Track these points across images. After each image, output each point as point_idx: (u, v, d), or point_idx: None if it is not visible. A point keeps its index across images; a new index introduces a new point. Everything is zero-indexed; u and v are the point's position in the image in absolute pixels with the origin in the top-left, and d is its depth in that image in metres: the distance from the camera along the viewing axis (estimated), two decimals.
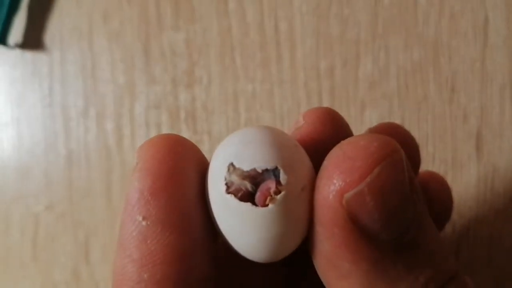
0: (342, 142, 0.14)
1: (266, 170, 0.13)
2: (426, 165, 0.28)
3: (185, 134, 0.31)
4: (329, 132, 0.16)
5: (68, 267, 0.32)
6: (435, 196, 0.22)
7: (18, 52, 0.33)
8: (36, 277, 0.32)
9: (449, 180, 0.28)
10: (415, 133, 0.27)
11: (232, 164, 0.14)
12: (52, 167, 0.32)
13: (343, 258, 0.13)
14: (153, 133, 0.31)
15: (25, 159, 0.33)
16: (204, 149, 0.30)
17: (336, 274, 0.14)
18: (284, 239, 0.14)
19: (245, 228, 0.14)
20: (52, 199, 0.32)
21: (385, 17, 0.29)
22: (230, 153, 0.14)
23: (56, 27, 0.32)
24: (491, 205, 0.28)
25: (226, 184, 0.14)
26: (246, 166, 0.13)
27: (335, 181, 0.13)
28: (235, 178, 0.14)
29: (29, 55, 0.33)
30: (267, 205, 0.13)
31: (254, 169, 0.13)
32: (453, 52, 0.29)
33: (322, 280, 0.15)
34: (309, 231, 0.14)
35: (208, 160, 0.15)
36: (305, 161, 0.14)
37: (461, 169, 0.29)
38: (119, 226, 0.15)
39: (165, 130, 0.31)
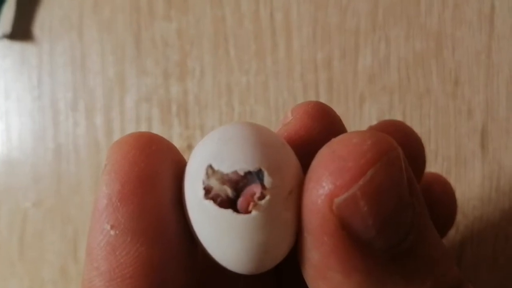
0: (333, 140, 0.13)
1: (249, 172, 0.12)
2: (428, 162, 0.27)
3: (177, 128, 0.30)
4: (319, 128, 0.15)
5: (57, 264, 0.32)
6: (438, 199, 0.21)
7: (6, 43, 0.32)
8: (23, 275, 0.32)
9: (452, 178, 0.27)
10: (417, 129, 0.27)
11: (210, 166, 0.12)
12: (40, 161, 0.32)
13: (333, 269, 0.12)
14: (143, 127, 0.30)
15: (13, 153, 0.32)
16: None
17: (327, 286, 0.13)
18: (270, 249, 0.13)
19: (226, 237, 0.13)
20: (40, 195, 0.32)
21: (386, 6, 0.28)
22: (208, 153, 0.13)
23: (45, 17, 0.32)
24: (496, 205, 0.28)
25: (205, 188, 0.12)
26: (226, 168, 0.12)
27: (324, 184, 0.12)
28: (214, 182, 0.12)
29: (17, 46, 0.32)
30: (250, 212, 0.12)
31: (235, 172, 0.12)
32: (457, 43, 0.28)
33: None
34: (298, 239, 0.13)
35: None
36: (293, 162, 0.13)
37: (465, 167, 0.28)
38: (87, 235, 0.13)
39: (155, 124, 0.30)
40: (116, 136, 0.31)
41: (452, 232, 0.28)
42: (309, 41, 0.29)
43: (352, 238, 0.12)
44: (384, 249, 0.12)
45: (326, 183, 0.12)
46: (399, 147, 0.13)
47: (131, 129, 0.30)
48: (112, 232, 0.13)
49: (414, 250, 0.13)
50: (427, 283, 0.13)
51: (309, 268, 0.13)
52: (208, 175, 0.12)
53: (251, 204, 0.12)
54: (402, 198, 0.12)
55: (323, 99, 0.28)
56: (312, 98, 0.29)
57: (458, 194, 0.22)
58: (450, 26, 0.28)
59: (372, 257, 0.12)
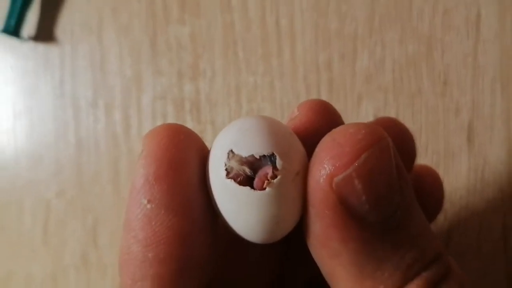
0: (333, 130, 0.14)
1: (263, 156, 0.14)
2: (419, 156, 0.28)
3: (189, 124, 0.31)
4: (321, 121, 0.17)
5: (78, 251, 0.32)
6: (428, 188, 0.23)
7: (31, 44, 0.33)
8: (46, 261, 0.33)
9: (441, 170, 0.28)
10: (409, 125, 0.26)
11: (231, 150, 0.14)
12: (62, 155, 0.32)
13: (333, 238, 0.14)
14: (159, 123, 0.30)
15: (37, 148, 0.33)
16: (208, 138, 0.30)
17: (328, 253, 0.14)
18: (280, 221, 0.15)
19: (244, 211, 0.14)
20: (62, 186, 0.33)
21: (382, 13, 0.29)
22: (229, 141, 0.15)
23: (67, 21, 0.33)
24: (481, 195, 0.28)
25: (226, 169, 0.14)
26: (244, 153, 0.14)
27: (325, 165, 0.14)
28: (234, 164, 0.14)
29: (41, 47, 0.33)
30: (264, 189, 0.14)
31: (252, 155, 0.14)
32: (446, 47, 0.29)
33: (315, 259, 0.15)
34: (303, 214, 0.15)
35: (209, 148, 0.16)
36: (299, 148, 0.15)
37: (452, 160, 0.29)
38: (125, 209, 0.15)
39: (170, 120, 0.31)
40: (134, 131, 0.32)
41: (440, 220, 0.28)
42: (312, 45, 0.30)
43: (349, 212, 0.14)
44: (376, 222, 0.14)
45: (327, 165, 0.14)
46: (389, 137, 0.14)
47: (147, 125, 0.31)
48: (148, 206, 0.15)
49: (401, 224, 0.14)
50: (411, 252, 0.14)
51: (312, 239, 0.15)
52: (229, 158, 0.14)
53: (265, 182, 0.14)
54: (390, 178, 0.14)
55: (324, 98, 0.29)
56: (314, 96, 0.30)
57: (446, 185, 0.23)
58: (440, 31, 0.29)
59: (366, 229, 0.14)
